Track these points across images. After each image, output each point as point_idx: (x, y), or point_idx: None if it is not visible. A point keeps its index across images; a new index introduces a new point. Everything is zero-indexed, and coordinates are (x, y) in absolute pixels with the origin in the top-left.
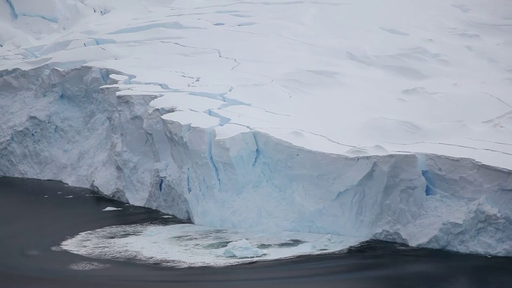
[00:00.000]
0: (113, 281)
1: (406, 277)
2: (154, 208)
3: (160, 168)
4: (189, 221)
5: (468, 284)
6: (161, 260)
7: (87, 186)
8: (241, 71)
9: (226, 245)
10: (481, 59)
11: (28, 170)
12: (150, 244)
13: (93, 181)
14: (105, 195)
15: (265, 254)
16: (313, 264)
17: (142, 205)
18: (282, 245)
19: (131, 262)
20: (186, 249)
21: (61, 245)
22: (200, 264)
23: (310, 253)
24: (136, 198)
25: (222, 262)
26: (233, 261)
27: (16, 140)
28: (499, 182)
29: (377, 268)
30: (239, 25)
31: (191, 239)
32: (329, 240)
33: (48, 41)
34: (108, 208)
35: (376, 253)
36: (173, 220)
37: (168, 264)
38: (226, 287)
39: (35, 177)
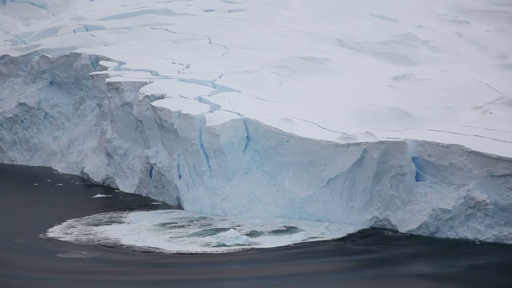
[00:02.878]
0: (91, 268)
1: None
2: (144, 195)
3: (150, 154)
4: (179, 207)
5: (461, 271)
6: (141, 248)
7: (77, 173)
8: (231, 57)
9: (212, 233)
10: (471, 45)
11: (18, 157)
12: (133, 231)
13: (83, 168)
14: (95, 182)
15: (257, 243)
16: (308, 254)
17: (132, 192)
18: (275, 232)
19: (110, 250)
20: (170, 237)
21: (47, 232)
22: (182, 252)
23: (304, 241)
24: (126, 185)
25: (207, 250)
26: (224, 249)
27: (5, 127)
28: (488, 168)
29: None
30: (229, 12)
31: (176, 226)
32: (327, 228)
33: (37, 27)
34: (98, 195)
35: (374, 242)
36: (162, 206)
37: (149, 252)
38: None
39: (24, 163)
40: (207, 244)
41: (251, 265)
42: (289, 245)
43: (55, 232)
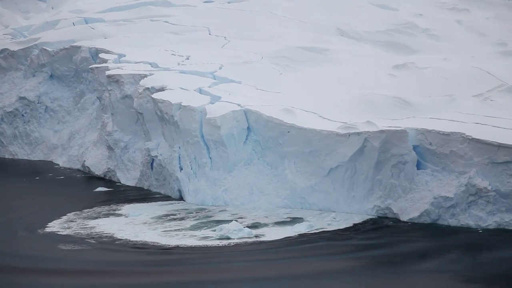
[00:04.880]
0: (79, 268)
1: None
2: (145, 187)
3: (151, 147)
4: (181, 199)
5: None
6: (137, 241)
7: (78, 166)
8: (231, 48)
9: (212, 226)
10: (471, 33)
11: (19, 151)
12: (131, 224)
13: (84, 161)
14: (97, 175)
15: (261, 235)
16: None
17: (133, 184)
18: (280, 223)
19: (106, 243)
20: (168, 230)
21: (47, 226)
22: (182, 246)
23: (307, 232)
24: (128, 178)
25: (209, 244)
26: (225, 242)
27: (6, 121)
28: (489, 155)
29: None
30: (228, 3)
31: (175, 219)
32: (334, 218)
33: (37, 20)
34: (100, 189)
35: (381, 235)
36: (163, 199)
37: (145, 248)
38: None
39: (25, 158)
40: (208, 237)
41: (258, 263)
42: (294, 237)
43: (54, 226)
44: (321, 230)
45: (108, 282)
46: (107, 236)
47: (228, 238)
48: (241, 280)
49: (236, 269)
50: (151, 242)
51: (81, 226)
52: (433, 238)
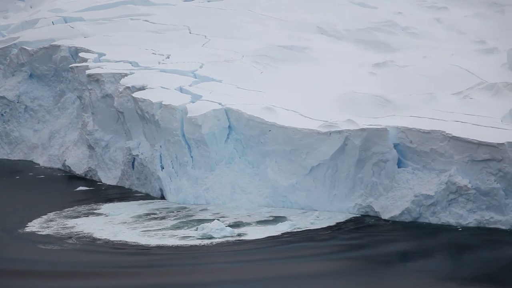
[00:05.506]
0: (68, 268)
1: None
2: (127, 186)
3: (132, 146)
4: (162, 198)
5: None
6: (116, 241)
7: (59, 166)
8: (211, 47)
9: (193, 225)
10: (450, 31)
11: None
12: (110, 223)
13: (65, 160)
14: (77, 174)
15: (244, 234)
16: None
17: (115, 183)
18: (262, 222)
19: (85, 243)
20: (149, 230)
21: (27, 226)
22: (163, 246)
23: (292, 231)
24: (109, 177)
25: (190, 243)
26: (207, 242)
27: None
28: (469, 153)
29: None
30: (208, 1)
31: (156, 218)
32: (317, 217)
33: (15, 20)
34: (80, 188)
35: (365, 235)
36: (145, 197)
37: (125, 246)
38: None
39: (5, 157)
40: (189, 237)
41: (241, 264)
42: (277, 237)
43: (34, 226)
44: (304, 229)
45: (86, 284)
46: (86, 236)
47: (210, 238)
48: (224, 281)
49: (218, 270)
50: (131, 242)
51: (61, 226)
52: (414, 237)
